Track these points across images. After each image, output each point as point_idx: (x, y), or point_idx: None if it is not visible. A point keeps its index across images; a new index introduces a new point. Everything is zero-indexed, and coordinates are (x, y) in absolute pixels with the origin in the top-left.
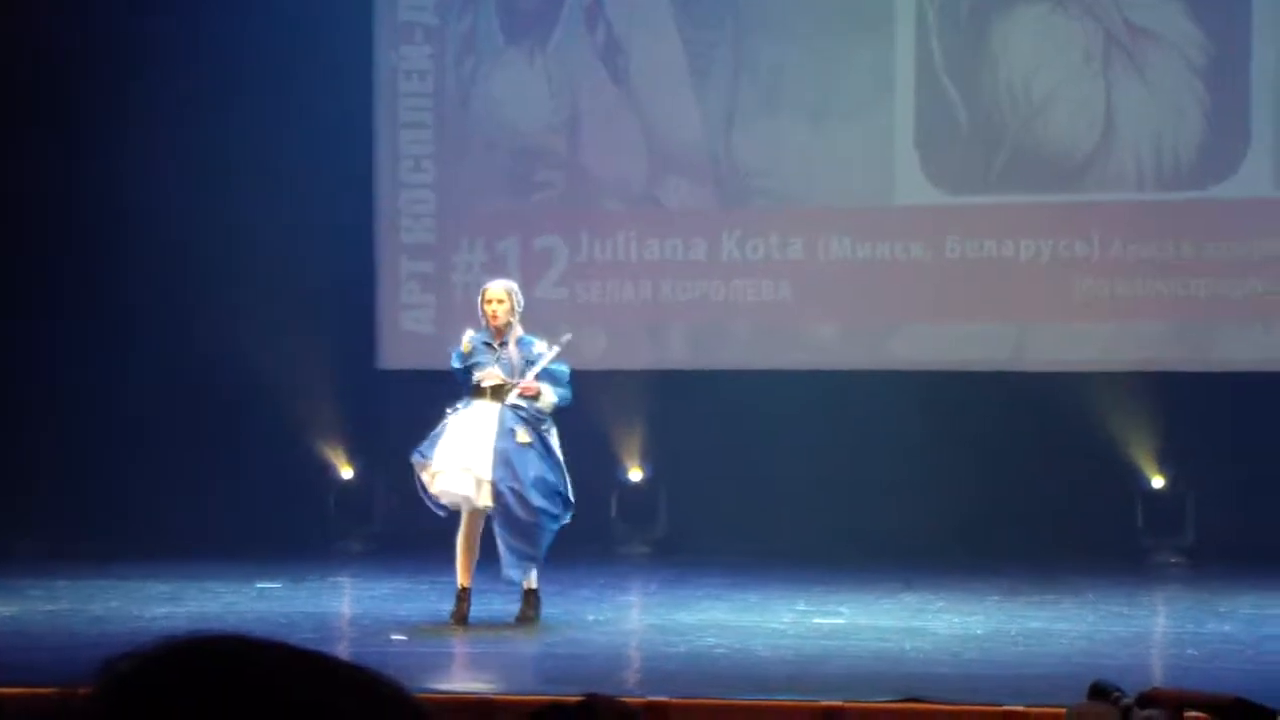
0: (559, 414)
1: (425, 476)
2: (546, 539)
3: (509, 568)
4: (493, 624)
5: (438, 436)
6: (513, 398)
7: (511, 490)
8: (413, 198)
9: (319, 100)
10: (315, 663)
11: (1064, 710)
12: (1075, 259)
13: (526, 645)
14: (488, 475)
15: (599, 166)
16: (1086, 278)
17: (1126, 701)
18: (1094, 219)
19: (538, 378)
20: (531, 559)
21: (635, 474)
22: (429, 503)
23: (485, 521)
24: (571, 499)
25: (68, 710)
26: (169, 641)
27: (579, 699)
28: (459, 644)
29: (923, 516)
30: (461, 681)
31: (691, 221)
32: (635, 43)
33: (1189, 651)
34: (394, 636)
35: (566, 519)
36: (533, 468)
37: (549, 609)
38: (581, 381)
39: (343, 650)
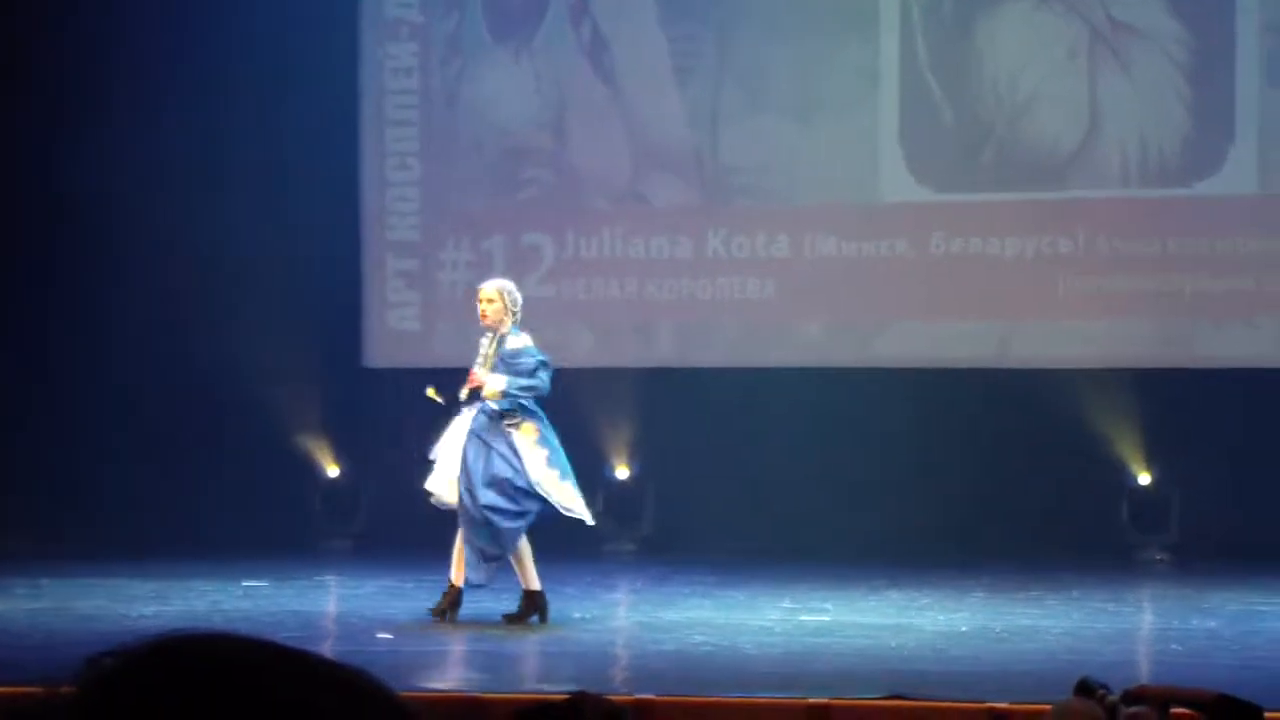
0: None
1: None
2: (507, 537)
3: (468, 568)
4: (479, 623)
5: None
6: (464, 394)
7: (467, 489)
8: (399, 195)
9: (305, 98)
10: (300, 661)
11: (1049, 707)
12: (1060, 256)
13: (513, 644)
14: (454, 475)
15: (585, 164)
16: (1071, 275)
17: (1112, 699)
18: (1079, 216)
19: (505, 371)
20: (493, 558)
21: (622, 472)
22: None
23: None
24: (545, 492)
25: (51, 708)
26: (154, 640)
27: (566, 697)
28: (445, 643)
29: (908, 514)
30: (447, 680)
31: (677, 219)
32: (620, 41)
33: (1174, 648)
34: (380, 635)
35: (531, 514)
36: (493, 466)
37: None
38: (568, 379)
39: (328, 649)
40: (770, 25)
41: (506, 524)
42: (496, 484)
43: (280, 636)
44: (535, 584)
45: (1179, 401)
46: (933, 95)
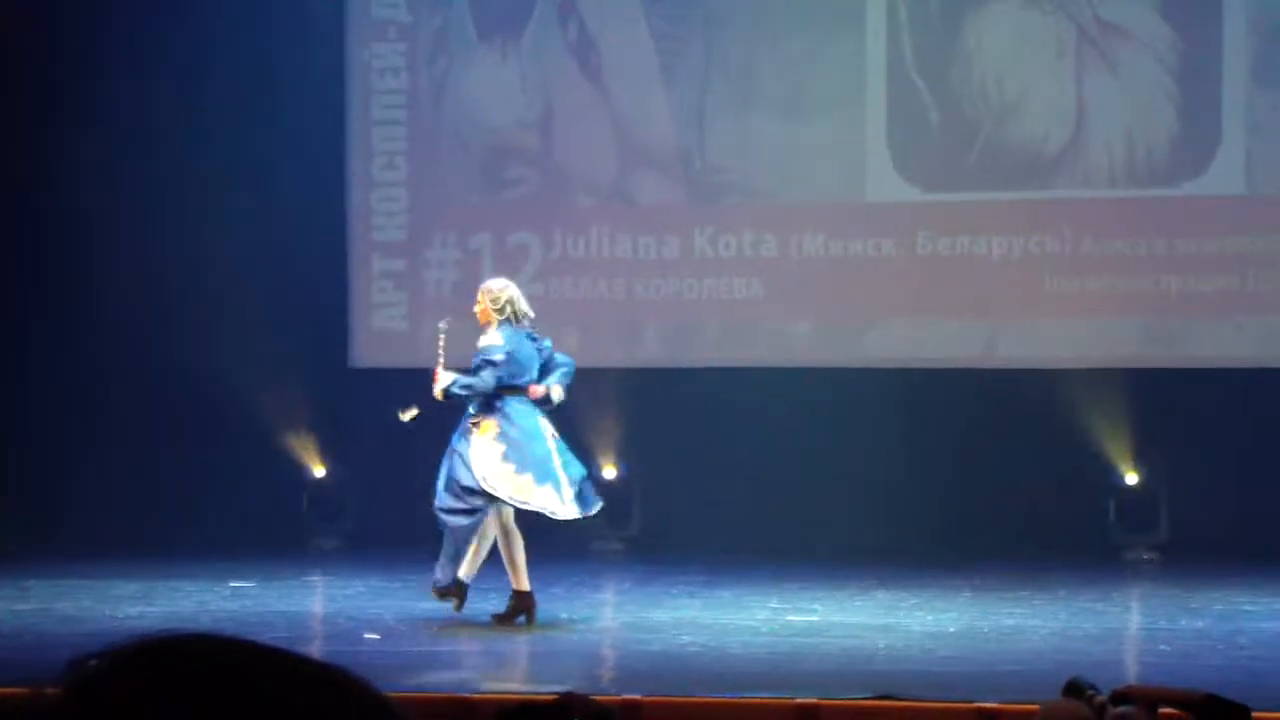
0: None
1: None
2: (458, 535)
3: (437, 568)
4: (467, 622)
5: None
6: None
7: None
8: (385, 195)
9: (292, 97)
10: (286, 662)
11: (1037, 707)
12: (1047, 256)
13: (499, 644)
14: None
15: (572, 163)
16: (1058, 274)
17: (1100, 699)
18: (1066, 216)
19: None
20: (449, 558)
21: (609, 471)
22: None
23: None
24: (491, 488)
25: (37, 709)
26: (139, 641)
27: (553, 697)
28: (432, 643)
29: (896, 513)
30: (434, 680)
31: (664, 218)
32: (607, 39)
33: (1161, 648)
34: (367, 635)
35: (480, 510)
36: (453, 469)
37: None
38: None
39: (316, 649)
40: (757, 25)
41: (453, 521)
42: (450, 486)
43: (267, 637)
44: (525, 585)
45: (1166, 401)
46: (920, 95)
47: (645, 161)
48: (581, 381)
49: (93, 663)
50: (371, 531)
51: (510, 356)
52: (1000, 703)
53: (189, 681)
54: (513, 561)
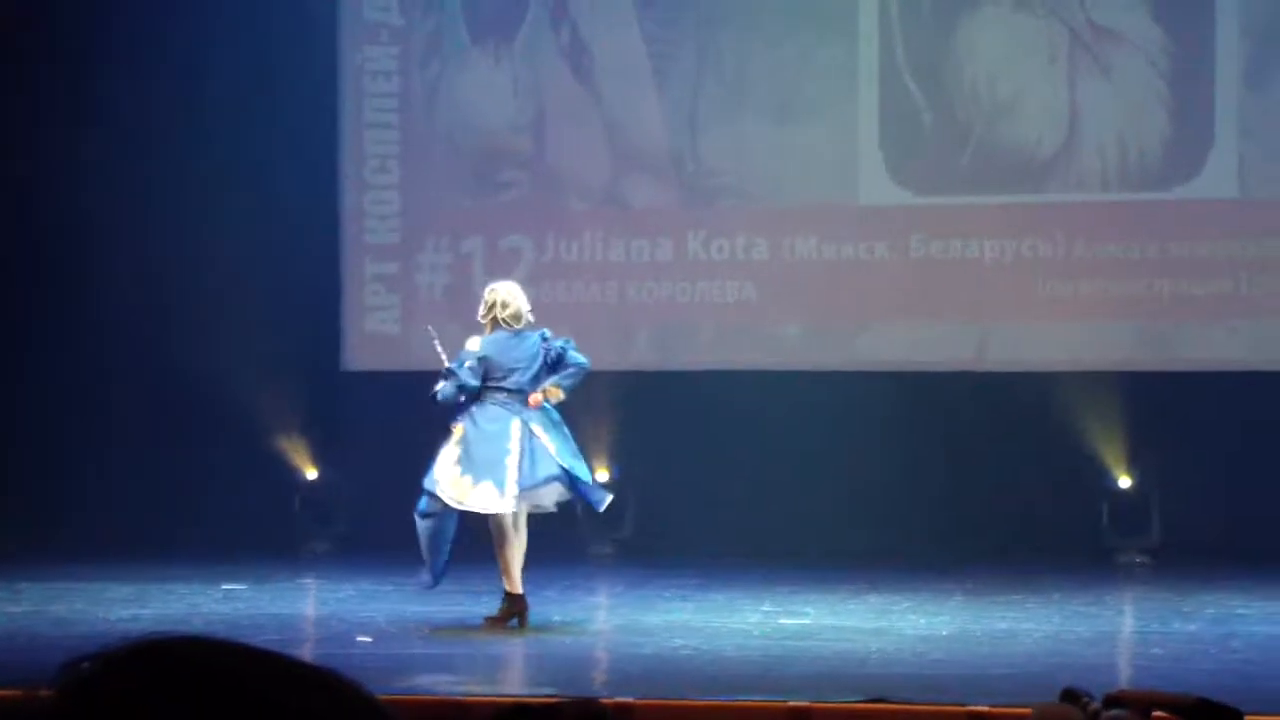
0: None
1: None
2: (420, 536)
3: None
4: (459, 625)
5: None
6: None
7: None
8: (378, 198)
9: (284, 100)
10: (279, 665)
11: (1030, 710)
12: (1040, 259)
13: (492, 647)
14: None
15: (564, 166)
16: (1051, 278)
17: (1095, 707)
18: (1058, 219)
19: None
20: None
21: (601, 475)
22: None
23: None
24: (439, 490)
25: (30, 712)
26: (132, 643)
27: (546, 700)
28: (424, 646)
29: (888, 516)
30: (427, 683)
31: (657, 221)
32: (599, 43)
33: (1154, 651)
34: (359, 638)
35: (433, 514)
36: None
37: None
38: None
39: (308, 652)
40: (750, 28)
41: (418, 523)
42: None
43: (259, 639)
44: (518, 588)
45: (1159, 405)
46: (912, 98)
47: (638, 165)
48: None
49: (86, 665)
50: (364, 534)
51: (484, 361)
52: (993, 705)
53: (182, 684)
54: (508, 564)
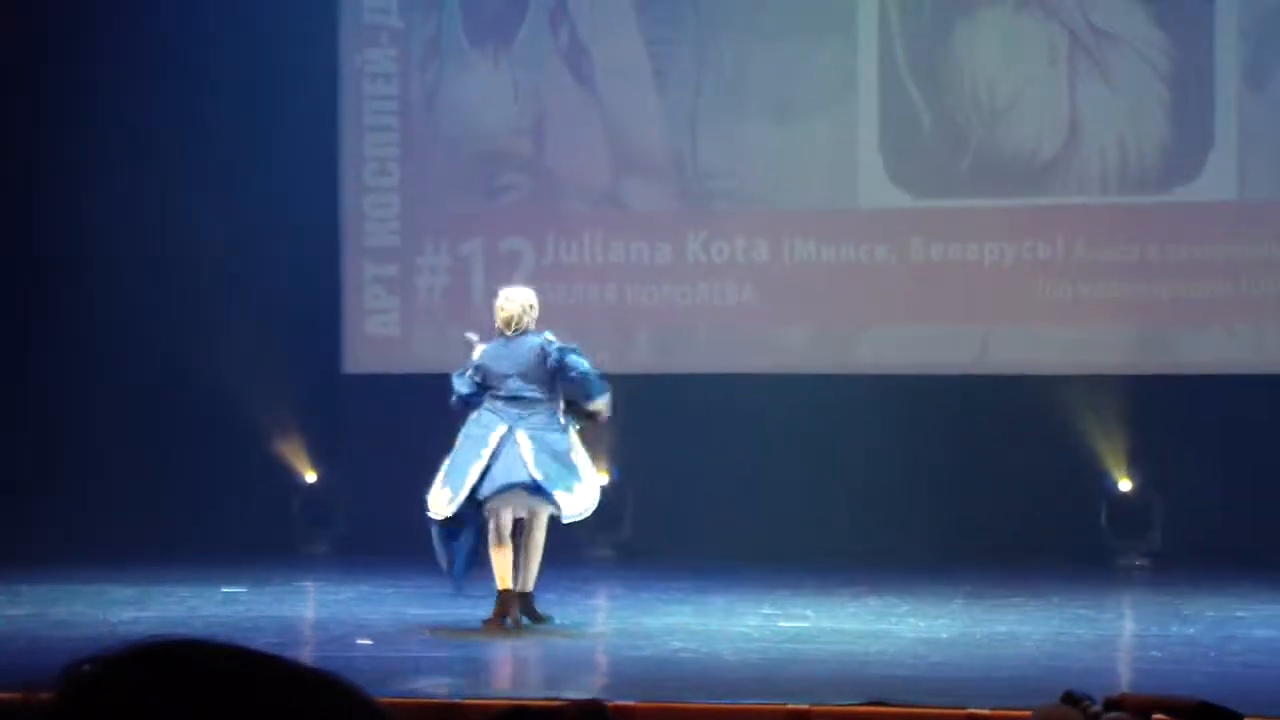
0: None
1: None
2: (434, 545)
3: None
4: (458, 628)
5: None
6: None
7: None
8: (377, 201)
9: (284, 103)
10: (277, 667)
11: (1029, 713)
12: (1039, 262)
13: (491, 649)
14: None
15: (564, 169)
16: (1051, 280)
17: (1095, 710)
18: (1058, 222)
19: None
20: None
21: (601, 478)
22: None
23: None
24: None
25: (30, 714)
26: (132, 646)
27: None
28: (423, 648)
29: (888, 519)
30: (426, 686)
31: (656, 224)
32: (599, 45)
33: (1153, 654)
34: (359, 641)
35: (431, 516)
36: None
37: None
38: None
39: (307, 655)
40: (749, 29)
41: (430, 531)
42: None
43: (259, 642)
44: (503, 585)
45: (1159, 407)
46: (912, 100)
47: (637, 167)
48: None
49: (86, 668)
50: (363, 537)
51: (480, 369)
52: (993, 708)
53: (182, 687)
54: (500, 564)
